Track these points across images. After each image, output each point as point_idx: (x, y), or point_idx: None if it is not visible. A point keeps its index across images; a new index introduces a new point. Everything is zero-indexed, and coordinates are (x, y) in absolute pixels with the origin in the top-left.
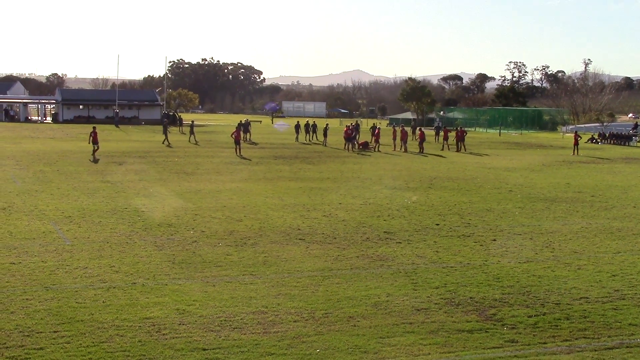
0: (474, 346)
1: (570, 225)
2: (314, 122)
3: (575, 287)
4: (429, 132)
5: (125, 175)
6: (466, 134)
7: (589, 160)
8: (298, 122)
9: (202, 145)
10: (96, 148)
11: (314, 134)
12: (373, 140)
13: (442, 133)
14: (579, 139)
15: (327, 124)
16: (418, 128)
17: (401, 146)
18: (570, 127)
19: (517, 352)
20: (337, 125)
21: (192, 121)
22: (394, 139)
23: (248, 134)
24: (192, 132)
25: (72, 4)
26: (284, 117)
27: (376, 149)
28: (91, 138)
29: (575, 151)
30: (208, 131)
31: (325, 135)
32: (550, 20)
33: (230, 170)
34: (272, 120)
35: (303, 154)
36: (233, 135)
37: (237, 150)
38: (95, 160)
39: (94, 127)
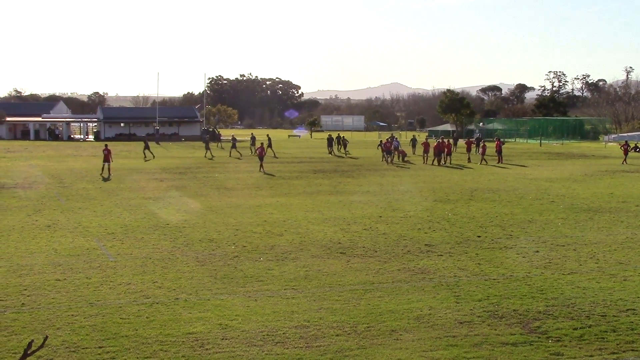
0: (519, 359)
1: (614, 236)
2: (338, 135)
3: (622, 299)
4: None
5: (166, 191)
6: (504, 144)
7: (632, 170)
8: (330, 135)
9: (242, 160)
10: (107, 166)
11: (339, 147)
12: (414, 151)
13: (476, 144)
14: (627, 148)
15: (343, 136)
16: (441, 138)
17: (444, 158)
18: (613, 136)
19: None
20: (376, 138)
21: (233, 136)
22: (426, 152)
23: (270, 149)
24: (233, 147)
25: (112, 24)
26: (322, 130)
27: (426, 161)
28: (105, 156)
29: (625, 160)
30: (247, 146)
31: (344, 146)
32: (590, 28)
33: (270, 185)
34: (310, 135)
35: (342, 168)
36: (257, 152)
37: (261, 166)
38: (107, 178)
39: (106, 145)
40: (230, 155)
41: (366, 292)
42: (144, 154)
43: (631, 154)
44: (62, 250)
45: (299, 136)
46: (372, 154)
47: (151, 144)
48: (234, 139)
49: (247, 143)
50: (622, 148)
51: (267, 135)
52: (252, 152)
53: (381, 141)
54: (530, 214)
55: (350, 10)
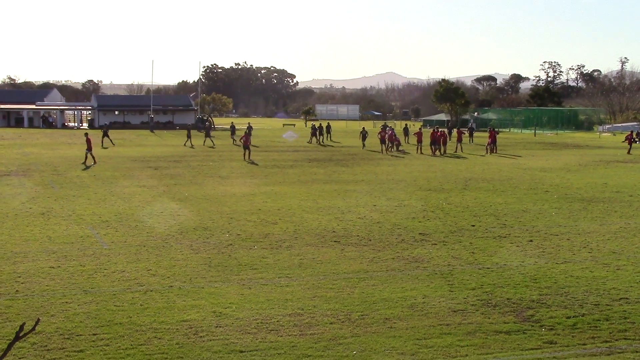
0: (512, 347)
1: (608, 226)
2: (327, 124)
3: (615, 288)
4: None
5: (160, 179)
6: (498, 133)
7: (627, 160)
8: (320, 124)
9: (237, 150)
10: (87, 153)
11: (328, 135)
12: (406, 140)
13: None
14: (632, 138)
15: (328, 123)
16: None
17: (440, 148)
18: (607, 126)
19: (556, 353)
20: (372, 128)
21: (208, 124)
22: (419, 141)
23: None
24: (208, 135)
25: (106, 12)
26: (317, 119)
27: (419, 151)
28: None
29: (630, 150)
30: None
31: (328, 132)
32: (585, 19)
33: (265, 174)
34: (305, 124)
35: (337, 157)
36: (242, 140)
37: (246, 155)
38: (88, 166)
39: (86, 134)
40: (213, 145)
41: (360, 281)
42: (102, 141)
43: (627, 144)
44: (56, 238)
45: (294, 125)
46: (367, 143)
47: (146, 132)
48: (208, 127)
49: (243, 132)
50: (626, 139)
51: (248, 123)
52: (234, 142)
53: (363, 128)
54: (524, 204)
55: None
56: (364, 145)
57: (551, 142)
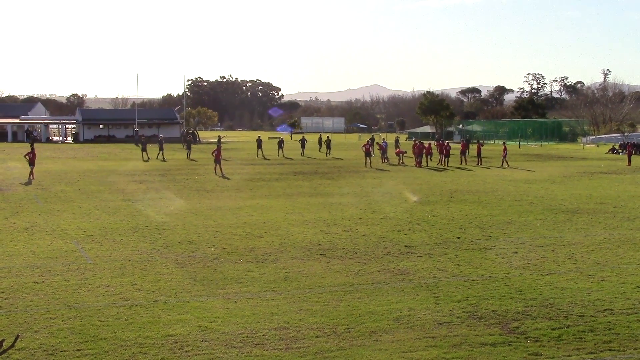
0: (497, 359)
1: (592, 237)
2: (327, 137)
3: (599, 299)
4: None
5: (145, 193)
6: (483, 145)
7: (610, 171)
8: (303, 136)
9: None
10: (31, 169)
11: (328, 149)
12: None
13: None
14: (632, 150)
15: (303, 136)
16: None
17: (425, 160)
18: (591, 137)
19: None
20: (357, 140)
21: (161, 137)
22: (414, 154)
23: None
24: (188, 148)
25: (90, 25)
26: (303, 132)
27: (400, 163)
28: (28, 158)
29: (629, 162)
30: (228, 148)
31: (303, 146)
32: (568, 31)
33: (250, 187)
34: (290, 137)
35: (322, 170)
36: (213, 154)
37: (217, 169)
38: (29, 182)
39: (33, 148)
40: (189, 158)
41: (346, 294)
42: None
43: (610, 155)
44: (40, 253)
45: (282, 138)
46: (352, 155)
47: (131, 146)
48: (161, 141)
49: (229, 145)
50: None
51: (218, 136)
52: (187, 156)
53: (328, 137)
54: (509, 215)
55: (330, 12)
56: (328, 152)
57: (536, 154)
